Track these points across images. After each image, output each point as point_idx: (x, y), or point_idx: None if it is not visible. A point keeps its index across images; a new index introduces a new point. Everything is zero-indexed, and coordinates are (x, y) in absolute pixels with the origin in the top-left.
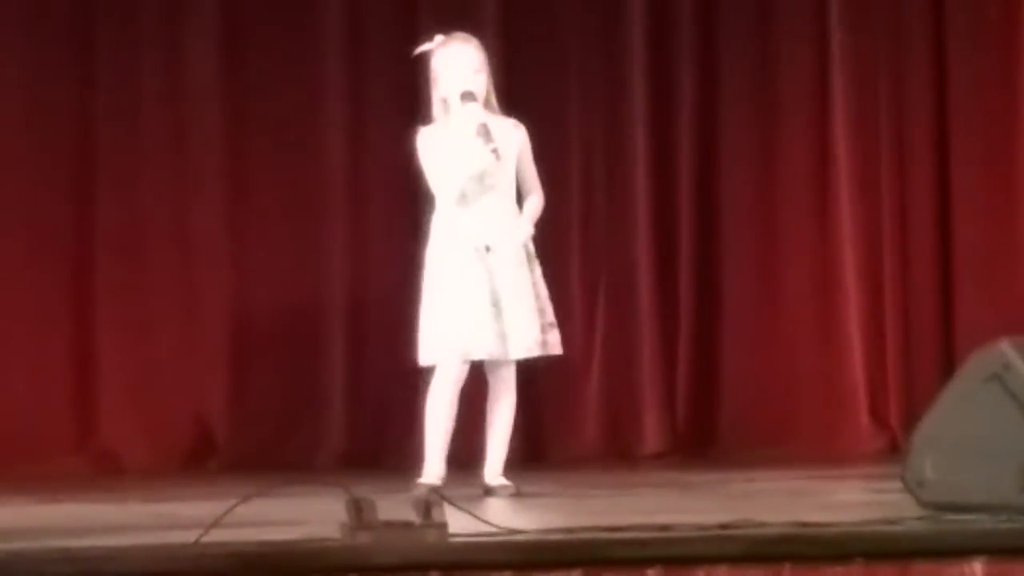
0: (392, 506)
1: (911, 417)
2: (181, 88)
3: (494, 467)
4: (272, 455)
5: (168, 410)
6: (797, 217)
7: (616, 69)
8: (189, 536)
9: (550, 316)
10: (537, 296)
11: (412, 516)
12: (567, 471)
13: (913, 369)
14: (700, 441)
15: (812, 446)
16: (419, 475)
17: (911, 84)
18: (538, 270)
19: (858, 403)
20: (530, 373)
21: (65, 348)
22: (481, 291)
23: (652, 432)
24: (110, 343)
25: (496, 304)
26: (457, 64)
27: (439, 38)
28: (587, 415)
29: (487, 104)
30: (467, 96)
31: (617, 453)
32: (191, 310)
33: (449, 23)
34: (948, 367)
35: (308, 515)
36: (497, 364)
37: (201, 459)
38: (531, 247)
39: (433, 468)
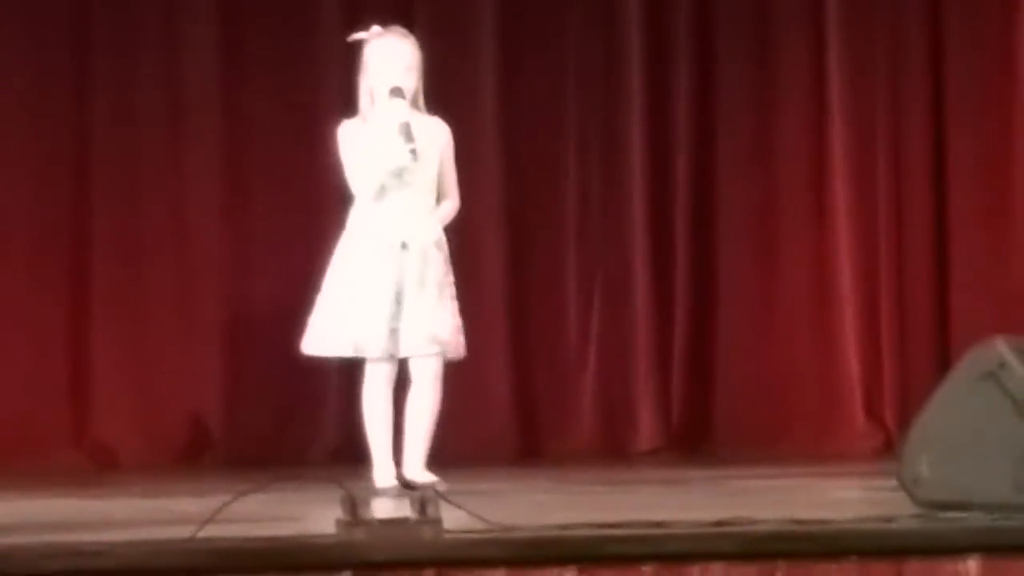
0: (387, 502)
1: (906, 415)
2: (178, 86)
3: (414, 462)
4: (267, 451)
5: (163, 406)
6: (793, 216)
7: (612, 68)
8: (184, 531)
9: (456, 319)
10: (442, 296)
11: (407, 512)
12: (562, 467)
13: (908, 367)
14: (695, 438)
15: (807, 443)
16: (372, 480)
17: (908, 84)
18: (451, 274)
19: (853, 401)
20: (524, 369)
21: (61, 343)
22: (385, 288)
23: (647, 429)
24: (106, 338)
25: (399, 301)
26: (390, 58)
27: (375, 29)
28: (582, 412)
29: (415, 103)
30: (395, 92)
31: (612, 450)
32: (187, 306)
33: (446, 22)
34: (943, 365)
35: (303, 511)
36: (417, 362)
37: (196, 455)
38: (445, 250)
39: (384, 470)
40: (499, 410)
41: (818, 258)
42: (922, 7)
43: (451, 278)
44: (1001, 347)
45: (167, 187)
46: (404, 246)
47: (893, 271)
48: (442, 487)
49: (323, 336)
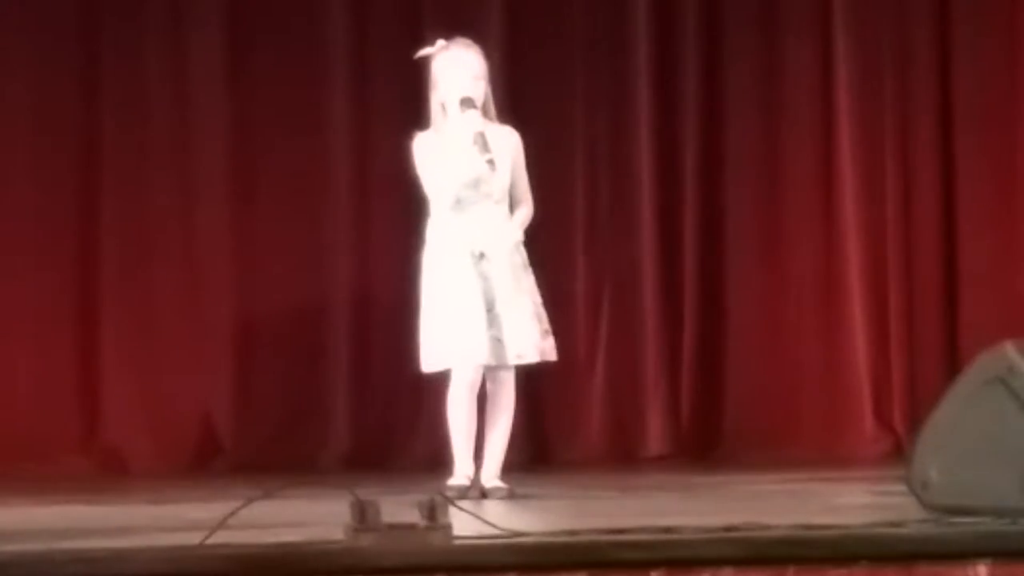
0: (396, 508)
1: (915, 419)
2: (186, 89)
3: (491, 469)
4: (277, 457)
5: (173, 411)
6: (801, 220)
7: (620, 71)
8: (194, 538)
9: (546, 323)
10: (533, 302)
11: (416, 518)
12: (571, 473)
13: (917, 371)
14: (704, 443)
15: (816, 448)
16: (449, 476)
17: (915, 85)
18: (531, 277)
19: (862, 405)
20: (533, 376)
21: (70, 349)
22: (476, 297)
23: (656, 434)
24: (115, 344)
25: (491, 310)
26: (457, 69)
27: (441, 42)
28: (591, 417)
29: (485, 112)
30: (466, 103)
31: (621, 455)
32: (196, 312)
33: (454, 25)
34: (952, 369)
35: (312, 517)
36: (495, 369)
37: (206, 460)
38: (524, 254)
39: (462, 468)
40: None
41: (826, 262)
42: (929, 8)
43: (534, 282)
44: (1010, 351)
45: (175, 192)
46: (482, 256)
47: (901, 275)
48: (509, 494)
49: (436, 352)
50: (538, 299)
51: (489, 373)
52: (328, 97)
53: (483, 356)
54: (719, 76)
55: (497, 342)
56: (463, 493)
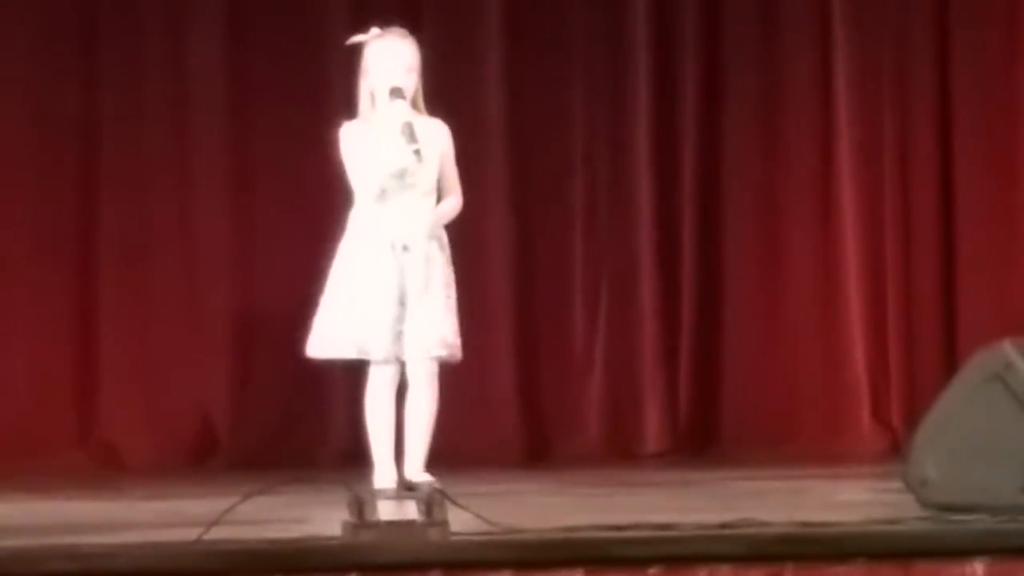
0: (394, 504)
1: (913, 417)
2: (184, 85)
3: (415, 463)
4: (275, 452)
5: (170, 407)
6: (799, 216)
7: (619, 67)
8: (191, 534)
9: (454, 322)
10: (447, 297)
11: (414, 514)
12: (568, 470)
13: (915, 369)
14: (702, 440)
15: (814, 445)
16: (372, 480)
17: (914, 81)
18: (451, 273)
19: (860, 403)
20: (531, 372)
21: (67, 344)
22: (389, 290)
23: (654, 431)
24: (113, 339)
25: (402, 303)
26: (390, 59)
27: (375, 30)
28: (589, 414)
29: (414, 104)
30: (395, 92)
31: (619, 452)
32: (194, 306)
33: (453, 19)
34: (950, 367)
35: (310, 513)
36: (414, 364)
37: (204, 456)
38: (447, 249)
39: (385, 471)
40: (506, 412)
41: (825, 259)
42: (928, 6)
43: (452, 279)
44: (1008, 349)
45: (174, 188)
46: (406, 248)
47: (900, 272)
48: (440, 487)
49: (328, 339)
50: (453, 295)
51: (409, 366)
52: (327, 92)
53: (385, 350)
54: (718, 72)
55: (399, 336)
56: (391, 494)
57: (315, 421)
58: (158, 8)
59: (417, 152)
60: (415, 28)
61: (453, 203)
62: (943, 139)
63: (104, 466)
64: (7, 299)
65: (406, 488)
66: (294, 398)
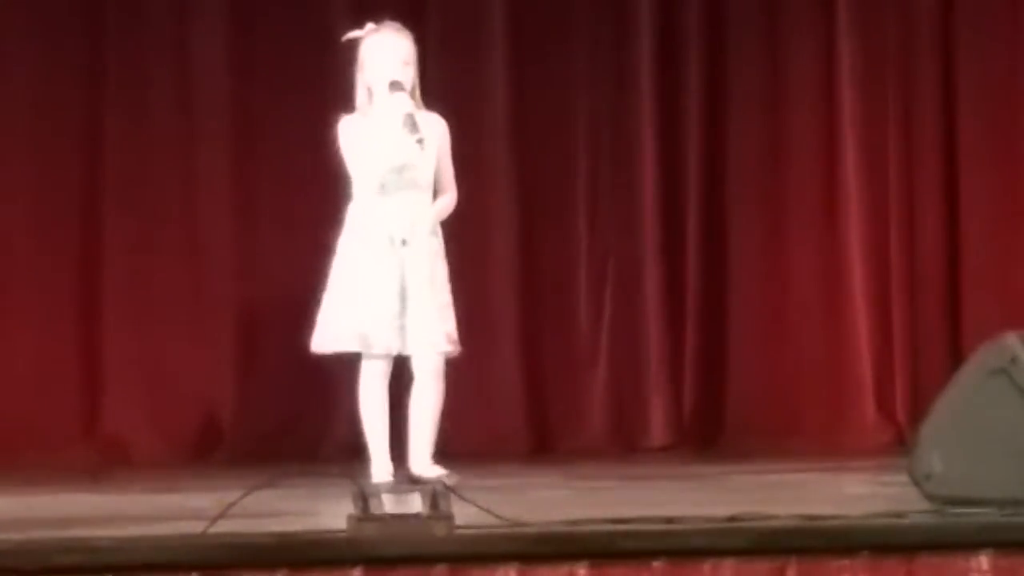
0: (398, 498)
1: (918, 410)
2: (189, 78)
3: (421, 456)
4: (279, 446)
5: (175, 401)
6: (804, 210)
7: (623, 64)
8: (196, 527)
9: (452, 317)
10: (445, 292)
11: (418, 508)
12: (573, 463)
13: (920, 362)
14: (706, 434)
15: (818, 439)
16: (368, 475)
17: (919, 78)
18: (446, 268)
19: (865, 396)
20: (536, 365)
21: (72, 338)
22: (390, 284)
23: (658, 424)
24: (117, 333)
25: (403, 298)
26: (386, 53)
27: (370, 25)
28: (593, 407)
29: (412, 97)
30: (395, 86)
31: (623, 445)
32: (198, 301)
33: (457, 14)
34: (955, 360)
35: (314, 506)
36: (419, 355)
37: (208, 450)
38: (441, 243)
39: (381, 465)
40: (511, 406)
41: (830, 253)
42: (933, 6)
43: (447, 273)
44: (1013, 343)
45: (178, 180)
46: (404, 243)
47: (905, 266)
48: (452, 480)
49: (331, 333)
50: (448, 289)
51: (414, 360)
52: (331, 87)
53: (386, 344)
54: (722, 70)
55: (403, 330)
56: (393, 488)
57: (319, 415)
58: (163, 8)
59: (420, 141)
60: (419, 23)
61: (450, 199)
62: (948, 133)
63: (109, 460)
64: (12, 294)
65: (414, 482)
66: (298, 392)
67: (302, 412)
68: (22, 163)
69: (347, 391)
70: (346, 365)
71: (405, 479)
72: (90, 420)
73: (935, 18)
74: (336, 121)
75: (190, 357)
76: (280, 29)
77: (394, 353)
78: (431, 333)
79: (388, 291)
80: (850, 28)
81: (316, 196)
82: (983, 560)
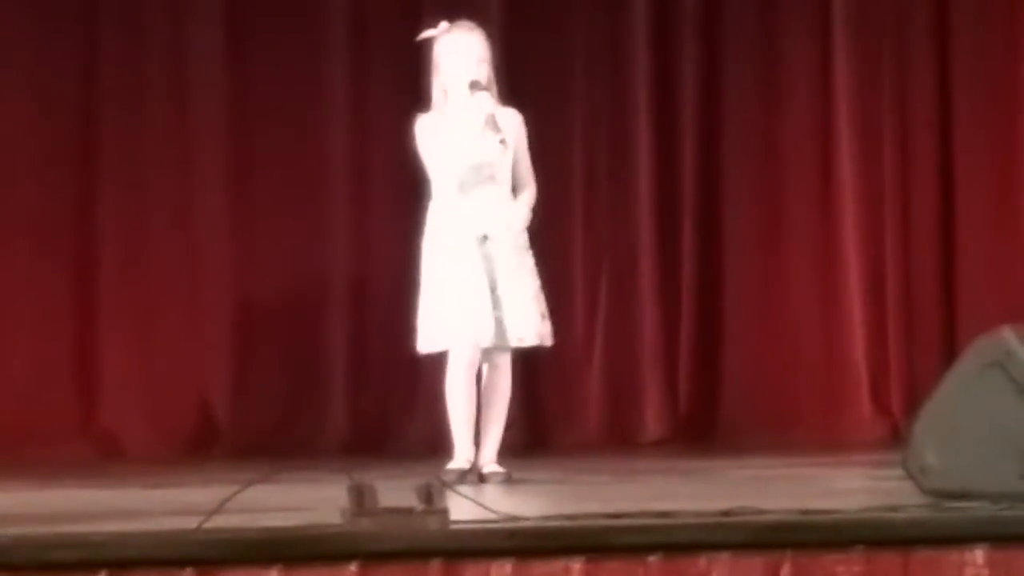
0: (394, 492)
1: (913, 404)
2: (184, 76)
3: (489, 454)
4: (274, 441)
5: (171, 396)
6: (799, 205)
7: (620, 60)
8: (191, 522)
9: (544, 307)
10: (533, 285)
11: (413, 502)
12: (568, 458)
13: (915, 356)
14: (701, 428)
15: (814, 433)
16: (449, 460)
17: (915, 78)
18: (532, 260)
19: (860, 390)
20: (532, 360)
21: (68, 334)
22: (479, 279)
23: (653, 419)
24: (113, 329)
25: (494, 292)
26: (461, 53)
27: (444, 25)
28: (588, 402)
29: (491, 95)
30: (476, 85)
31: (618, 440)
32: (194, 296)
33: (453, 10)
34: (950, 354)
35: (310, 501)
36: (492, 352)
37: (204, 445)
38: (526, 236)
39: (463, 452)
40: None
41: (824, 248)
42: (929, 6)
43: (533, 264)
44: (1008, 336)
45: (174, 177)
46: (486, 238)
47: (900, 260)
48: (509, 478)
49: (436, 333)
50: (538, 282)
51: (486, 356)
52: (327, 82)
53: (486, 337)
54: (718, 69)
55: (499, 323)
56: (462, 477)
57: (315, 409)
58: (158, 6)
59: (503, 142)
60: (414, 25)
61: (532, 192)
62: (944, 132)
63: (105, 455)
64: (9, 290)
65: (479, 478)
66: (294, 387)
67: (297, 408)
68: (19, 163)
69: (342, 387)
70: (342, 362)
71: (474, 473)
72: (87, 416)
73: (931, 15)
74: (412, 121)
75: (186, 354)
76: (277, 28)
77: (493, 346)
78: (522, 325)
79: (479, 286)
80: (846, 24)
81: (313, 195)
82: (978, 554)
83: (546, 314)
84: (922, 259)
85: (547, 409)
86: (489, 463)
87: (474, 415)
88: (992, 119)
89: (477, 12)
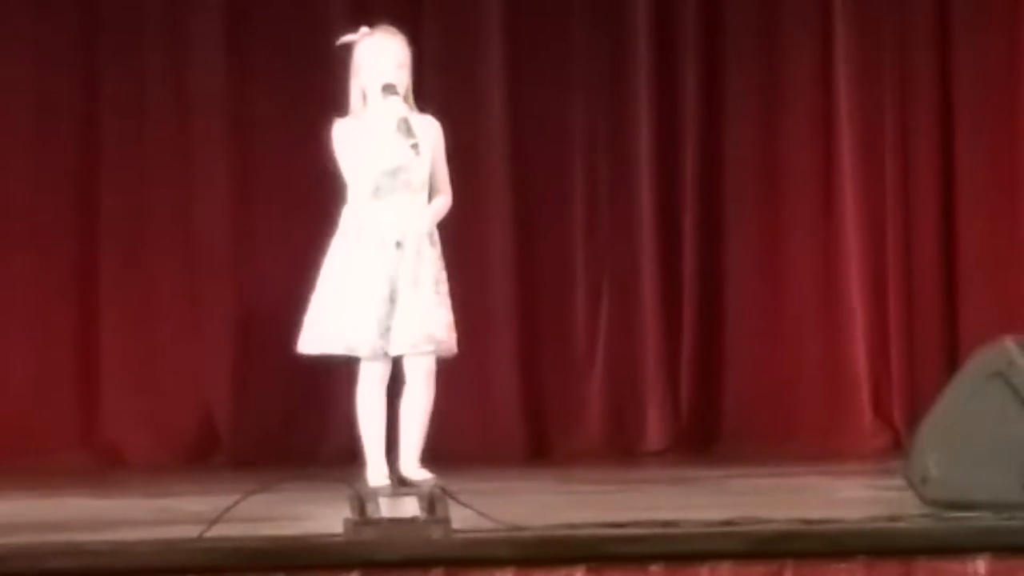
0: (396, 502)
1: (914, 414)
2: (185, 81)
3: (410, 459)
4: (276, 450)
5: (172, 405)
6: (801, 214)
7: (620, 65)
8: (192, 531)
9: (449, 316)
10: (438, 294)
11: (416, 512)
12: (570, 467)
13: (917, 366)
14: (703, 437)
15: (815, 443)
16: (363, 476)
17: (915, 79)
18: (443, 269)
19: (861, 400)
20: (533, 369)
21: (68, 342)
22: (379, 286)
23: (655, 428)
24: (114, 337)
25: (392, 299)
26: (380, 57)
27: (364, 29)
28: (590, 411)
29: (406, 101)
30: (388, 89)
31: (620, 449)
32: (195, 304)
33: (453, 18)
34: (952, 364)
35: (311, 511)
36: (411, 360)
37: (205, 454)
38: (438, 245)
39: (377, 468)
40: (507, 410)
41: (826, 257)
42: (929, 5)
43: (444, 274)
44: (1010, 347)
45: (175, 186)
46: (399, 245)
47: (901, 270)
48: (438, 484)
49: (317, 335)
50: (446, 290)
51: (405, 362)
52: (327, 90)
53: (371, 345)
54: (719, 71)
55: (386, 332)
56: (387, 491)
57: (316, 419)
58: (159, 6)
59: (415, 146)
60: (415, 27)
61: (445, 201)
62: (945, 138)
63: (105, 464)
64: (8, 297)
65: (402, 484)
66: (295, 396)
67: (299, 416)
68: (19, 168)
69: (344, 394)
70: (343, 368)
71: (394, 481)
72: (87, 424)
73: (932, 18)
74: (330, 124)
75: (187, 361)
76: (278, 30)
77: (379, 355)
78: (414, 334)
79: (376, 293)
80: (846, 29)
81: (314, 200)
82: (980, 564)
83: (452, 324)
84: (923, 269)
85: (548, 418)
86: (413, 468)
87: (384, 429)
88: (994, 128)
89: (477, 23)
